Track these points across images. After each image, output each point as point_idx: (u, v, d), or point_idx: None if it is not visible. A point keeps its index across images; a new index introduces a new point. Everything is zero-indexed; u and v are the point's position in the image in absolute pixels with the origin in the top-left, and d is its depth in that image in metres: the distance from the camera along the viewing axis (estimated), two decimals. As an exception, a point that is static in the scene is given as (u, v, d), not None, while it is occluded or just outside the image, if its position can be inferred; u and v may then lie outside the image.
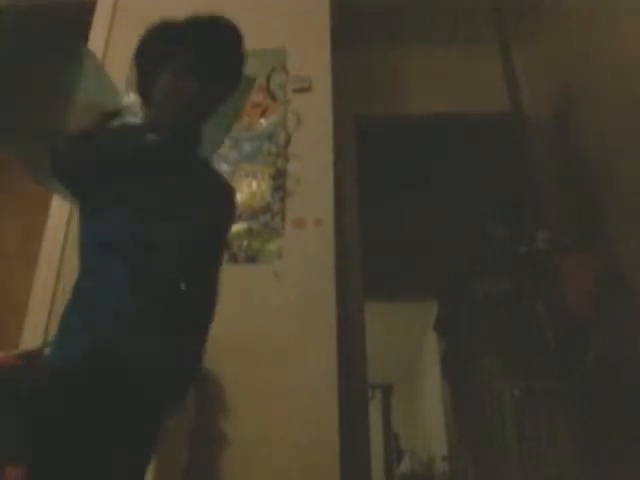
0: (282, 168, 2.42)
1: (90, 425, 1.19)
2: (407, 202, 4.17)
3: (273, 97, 2.56)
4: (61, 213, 2.42)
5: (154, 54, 1.35)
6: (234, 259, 2.27)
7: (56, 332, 1.30)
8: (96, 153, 1.25)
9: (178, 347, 1.33)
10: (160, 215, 1.30)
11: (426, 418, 6.65)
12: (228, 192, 1.50)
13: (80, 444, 1.17)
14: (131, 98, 2.42)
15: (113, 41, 2.74)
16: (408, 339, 6.59)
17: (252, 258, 2.27)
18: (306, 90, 2.56)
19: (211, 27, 1.37)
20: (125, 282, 1.26)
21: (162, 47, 1.34)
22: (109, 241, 1.28)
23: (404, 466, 6.65)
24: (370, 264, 3.15)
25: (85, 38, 2.72)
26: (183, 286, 1.36)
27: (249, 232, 2.31)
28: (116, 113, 1.32)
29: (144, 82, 1.39)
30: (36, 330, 2.20)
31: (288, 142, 2.47)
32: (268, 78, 2.60)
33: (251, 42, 2.67)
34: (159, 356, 1.28)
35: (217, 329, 2.05)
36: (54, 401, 1.20)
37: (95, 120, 1.27)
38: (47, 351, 1.46)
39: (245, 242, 2.29)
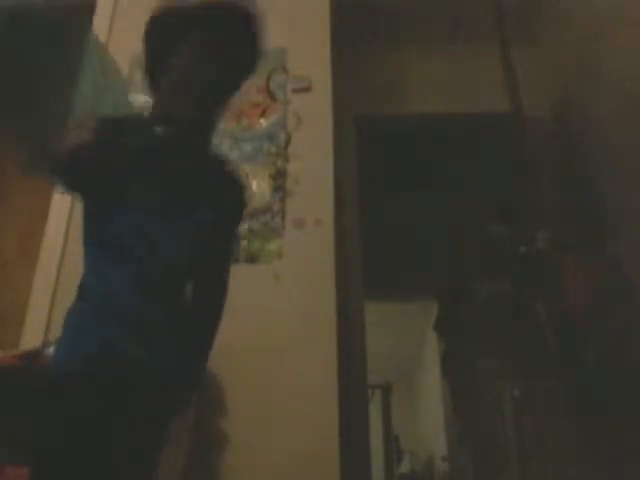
0: (282, 168, 2.42)
1: (92, 427, 1.17)
2: (407, 202, 4.17)
3: (273, 97, 2.56)
4: (61, 213, 2.42)
5: (166, 37, 1.25)
6: (234, 259, 2.27)
7: (61, 332, 1.27)
8: (97, 156, 1.16)
9: (182, 350, 1.30)
10: (165, 216, 1.25)
11: (426, 418, 6.65)
12: (238, 189, 1.42)
13: (83, 446, 1.16)
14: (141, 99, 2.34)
15: (113, 41, 2.74)
16: (408, 339, 6.59)
17: (252, 258, 2.27)
18: (306, 90, 2.56)
19: (226, 10, 1.28)
20: (128, 284, 1.23)
21: (174, 30, 1.24)
22: (113, 242, 1.24)
23: (404, 466, 6.65)
24: (370, 264, 3.15)
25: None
26: (190, 287, 1.32)
27: (249, 232, 2.31)
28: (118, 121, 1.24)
29: (153, 68, 1.30)
30: (36, 330, 2.20)
31: (288, 142, 2.47)
32: (268, 78, 2.60)
33: (251, 42, 2.70)
34: (162, 359, 1.26)
35: (217, 329, 2.06)
36: (57, 401, 1.19)
37: (92, 132, 1.14)
38: (48, 351, 1.46)
39: (245, 242, 2.29)
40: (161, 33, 1.25)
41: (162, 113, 1.24)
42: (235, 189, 1.41)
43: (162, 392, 1.26)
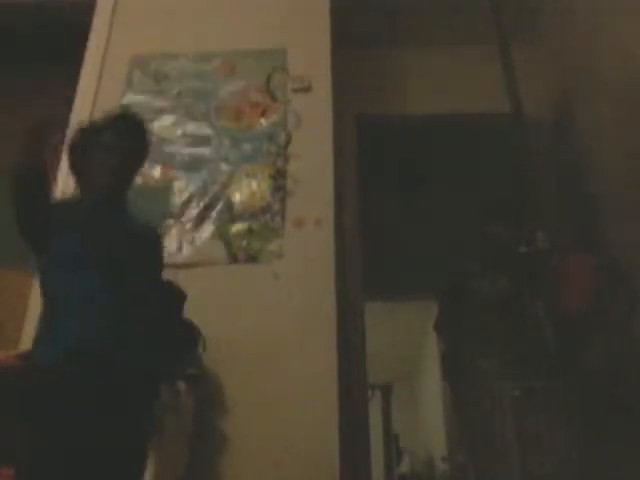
0: (282, 168, 2.41)
1: (70, 420, 1.30)
2: (407, 202, 4.17)
3: (273, 97, 2.56)
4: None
5: (84, 142, 1.70)
6: (234, 259, 2.27)
7: (36, 333, 1.49)
8: (49, 216, 1.54)
9: (146, 340, 1.52)
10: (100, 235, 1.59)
11: (426, 418, 6.65)
12: (155, 233, 1.86)
13: (65, 441, 1.29)
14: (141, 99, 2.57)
15: (113, 41, 2.75)
16: (408, 339, 6.59)
17: (252, 258, 2.27)
18: (306, 90, 2.56)
19: (124, 117, 1.80)
20: (95, 284, 1.47)
21: (91, 135, 1.70)
22: (69, 253, 1.52)
23: (404, 466, 6.65)
24: (370, 264, 3.15)
25: (85, 38, 2.72)
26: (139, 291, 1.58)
27: (249, 232, 2.31)
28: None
29: (76, 168, 1.72)
30: (36, 330, 2.20)
31: (288, 142, 2.47)
32: (268, 78, 2.60)
33: (251, 42, 2.70)
34: (132, 352, 1.46)
35: (217, 329, 2.06)
36: (38, 398, 1.34)
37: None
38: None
39: (245, 242, 2.29)
40: (82, 139, 1.70)
41: (89, 190, 1.68)
42: (153, 233, 1.84)
43: (136, 380, 1.46)
